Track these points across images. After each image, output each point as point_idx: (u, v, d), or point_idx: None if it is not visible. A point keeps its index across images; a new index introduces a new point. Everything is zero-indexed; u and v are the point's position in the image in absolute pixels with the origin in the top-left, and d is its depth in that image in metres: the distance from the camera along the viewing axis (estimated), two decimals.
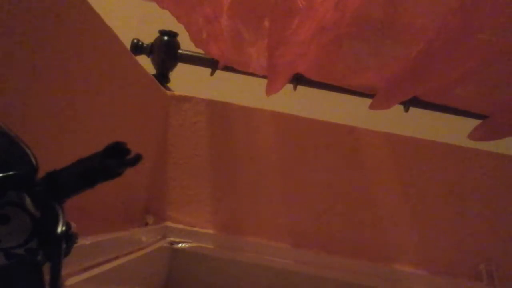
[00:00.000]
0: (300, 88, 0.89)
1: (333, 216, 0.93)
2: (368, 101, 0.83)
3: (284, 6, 0.60)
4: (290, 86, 0.88)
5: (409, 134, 0.95)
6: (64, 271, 0.27)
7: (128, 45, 0.90)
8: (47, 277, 0.27)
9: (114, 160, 0.29)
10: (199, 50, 0.85)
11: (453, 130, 0.95)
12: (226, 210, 0.94)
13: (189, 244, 0.90)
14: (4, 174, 0.26)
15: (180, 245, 0.89)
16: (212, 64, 0.91)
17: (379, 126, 0.96)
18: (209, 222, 0.93)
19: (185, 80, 1.03)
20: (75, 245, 0.30)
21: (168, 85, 0.99)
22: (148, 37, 0.97)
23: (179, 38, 0.97)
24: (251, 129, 0.96)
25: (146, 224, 0.86)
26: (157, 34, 0.97)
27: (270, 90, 0.82)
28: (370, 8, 0.61)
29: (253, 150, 0.95)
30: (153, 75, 0.92)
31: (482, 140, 0.83)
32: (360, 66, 0.73)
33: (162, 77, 0.97)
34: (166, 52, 0.96)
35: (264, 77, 0.83)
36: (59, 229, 0.27)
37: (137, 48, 0.94)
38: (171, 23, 0.82)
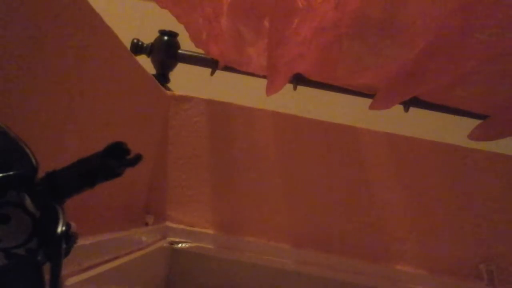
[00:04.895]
0: (300, 88, 0.89)
1: (333, 216, 0.93)
2: (368, 101, 0.83)
3: (284, 6, 0.60)
4: (290, 86, 0.88)
5: (409, 134, 0.95)
6: (64, 271, 0.27)
7: (128, 45, 0.90)
8: (47, 277, 0.27)
9: (114, 160, 0.29)
10: (199, 50, 0.85)
11: (453, 130, 0.95)
12: (226, 210, 0.94)
13: (189, 244, 0.90)
14: (4, 174, 0.26)
15: (180, 245, 0.89)
16: (212, 64, 0.91)
17: (379, 126, 0.96)
18: (209, 222, 0.93)
19: (185, 80, 1.02)
20: (75, 245, 0.30)
21: (168, 85, 0.99)
22: (148, 37, 0.97)
23: (179, 38, 0.97)
24: (251, 129, 0.96)
25: (146, 224, 0.86)
26: (157, 34, 0.97)
27: (270, 90, 0.82)
28: (370, 8, 0.61)
29: (253, 150, 0.95)
30: (153, 75, 0.92)
31: (482, 140, 0.83)
32: (360, 66, 0.73)
33: (162, 77, 0.97)
34: (166, 52, 0.96)
35: (264, 77, 0.83)
36: (59, 229, 0.27)
37: (137, 48, 0.94)
38: (171, 23, 0.82)
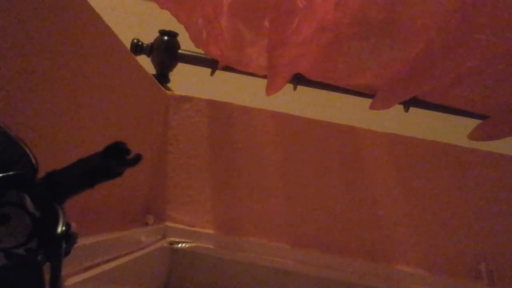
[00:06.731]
0: (300, 88, 0.89)
1: (333, 216, 0.93)
2: (368, 101, 0.83)
3: (284, 6, 0.60)
4: (290, 86, 0.88)
5: (409, 134, 0.95)
6: (64, 271, 0.27)
7: (128, 45, 0.90)
8: (47, 277, 0.27)
9: (114, 160, 0.29)
10: (199, 50, 0.84)
11: (453, 130, 0.95)
12: (226, 210, 0.94)
13: (189, 244, 0.90)
14: (4, 174, 0.26)
15: (180, 245, 0.89)
16: (212, 64, 0.91)
17: (379, 126, 0.96)
18: (209, 222, 0.93)
19: (185, 80, 1.03)
20: (75, 245, 0.30)
21: (168, 85, 0.99)
22: (148, 37, 0.97)
23: (179, 38, 0.97)
24: (251, 129, 0.96)
25: (146, 224, 0.86)
26: (157, 34, 0.97)
27: (270, 90, 0.82)
28: (370, 8, 0.61)
29: (253, 150, 0.95)
30: (153, 75, 0.92)
31: (482, 140, 0.83)
32: (360, 66, 0.73)
33: (162, 77, 0.97)
34: (166, 52, 0.96)
35: (264, 77, 0.83)
36: (59, 229, 0.27)
37: (137, 48, 0.94)
38: (171, 23, 0.82)
